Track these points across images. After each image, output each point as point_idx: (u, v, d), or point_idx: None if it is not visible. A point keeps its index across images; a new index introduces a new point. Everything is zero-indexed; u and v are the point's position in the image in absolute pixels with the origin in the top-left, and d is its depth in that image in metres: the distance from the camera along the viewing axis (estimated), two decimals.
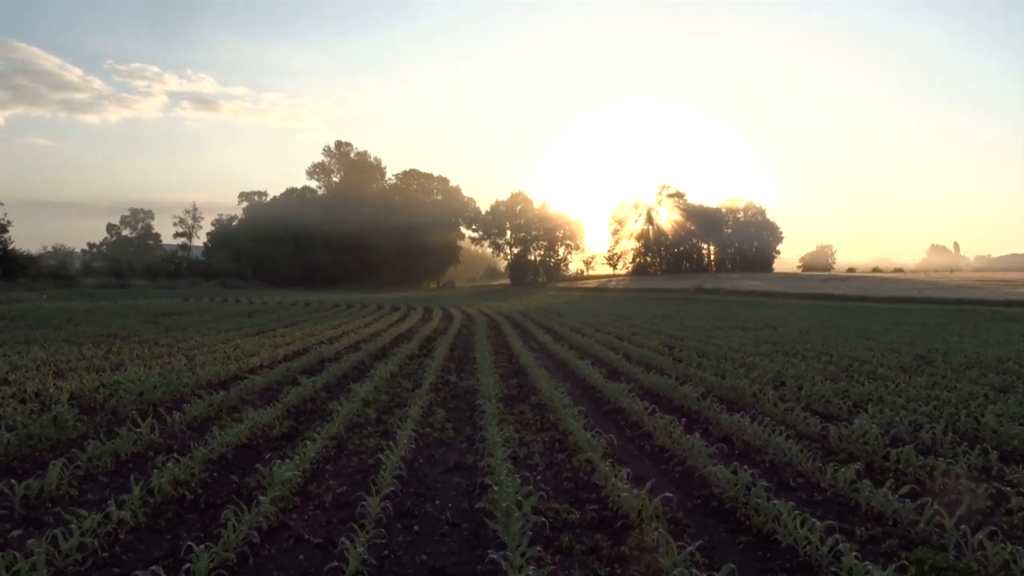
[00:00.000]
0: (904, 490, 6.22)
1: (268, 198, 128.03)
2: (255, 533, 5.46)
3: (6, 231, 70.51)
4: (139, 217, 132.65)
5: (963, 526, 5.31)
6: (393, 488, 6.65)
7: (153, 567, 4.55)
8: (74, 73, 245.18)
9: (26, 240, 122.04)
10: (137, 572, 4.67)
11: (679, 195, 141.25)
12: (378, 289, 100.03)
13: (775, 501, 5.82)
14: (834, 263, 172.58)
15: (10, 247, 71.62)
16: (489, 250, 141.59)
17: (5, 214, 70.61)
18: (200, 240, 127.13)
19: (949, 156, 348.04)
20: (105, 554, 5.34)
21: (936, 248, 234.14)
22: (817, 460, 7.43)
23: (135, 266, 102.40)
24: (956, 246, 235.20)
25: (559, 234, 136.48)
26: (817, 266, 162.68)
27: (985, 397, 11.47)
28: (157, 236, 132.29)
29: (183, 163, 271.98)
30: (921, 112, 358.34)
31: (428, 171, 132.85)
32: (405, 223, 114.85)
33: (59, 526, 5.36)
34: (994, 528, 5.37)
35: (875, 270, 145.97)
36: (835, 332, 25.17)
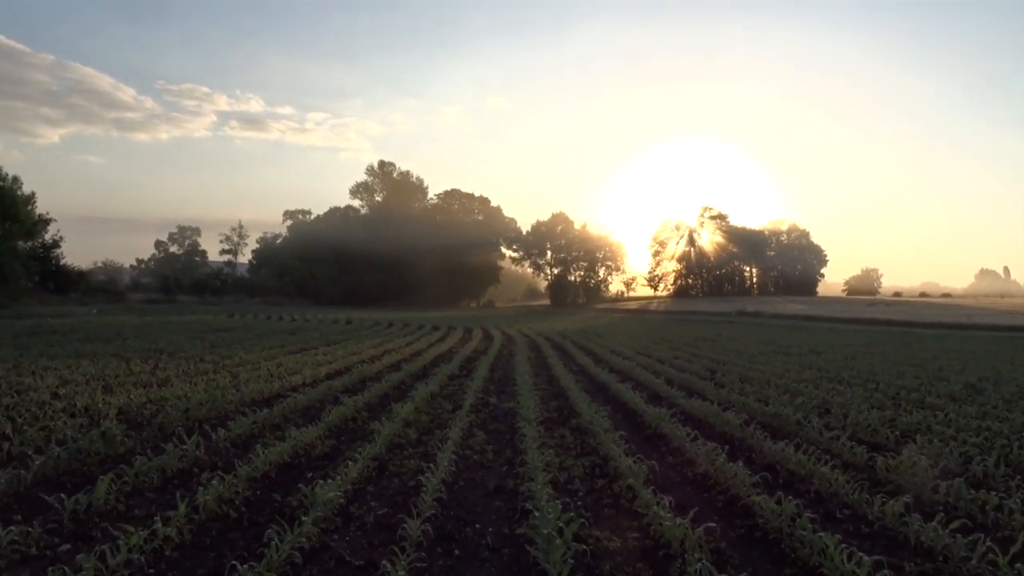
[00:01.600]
0: (955, 525, 6.07)
1: (312, 217, 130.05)
2: (297, 553, 5.51)
3: (58, 247, 72.18)
4: (186, 234, 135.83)
5: (1017, 564, 5.17)
6: (434, 511, 6.67)
7: None
8: (127, 93, 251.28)
9: (77, 255, 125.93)
10: None
11: (721, 217, 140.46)
12: (419, 308, 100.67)
13: (821, 533, 5.72)
14: (880, 287, 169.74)
15: (62, 262, 73.40)
16: (529, 270, 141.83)
17: (58, 230, 72.42)
18: (245, 257, 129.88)
19: (999, 179, 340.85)
20: (151, 571, 5.42)
21: (985, 273, 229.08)
22: (864, 491, 7.29)
23: (182, 282, 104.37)
24: (1006, 271, 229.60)
25: (600, 255, 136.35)
26: (862, 290, 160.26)
27: None
28: (203, 253, 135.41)
29: (230, 181, 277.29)
30: (970, 134, 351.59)
31: (469, 191, 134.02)
32: (446, 242, 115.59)
33: (107, 541, 5.48)
34: None
35: (922, 295, 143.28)
36: (881, 358, 24.71)
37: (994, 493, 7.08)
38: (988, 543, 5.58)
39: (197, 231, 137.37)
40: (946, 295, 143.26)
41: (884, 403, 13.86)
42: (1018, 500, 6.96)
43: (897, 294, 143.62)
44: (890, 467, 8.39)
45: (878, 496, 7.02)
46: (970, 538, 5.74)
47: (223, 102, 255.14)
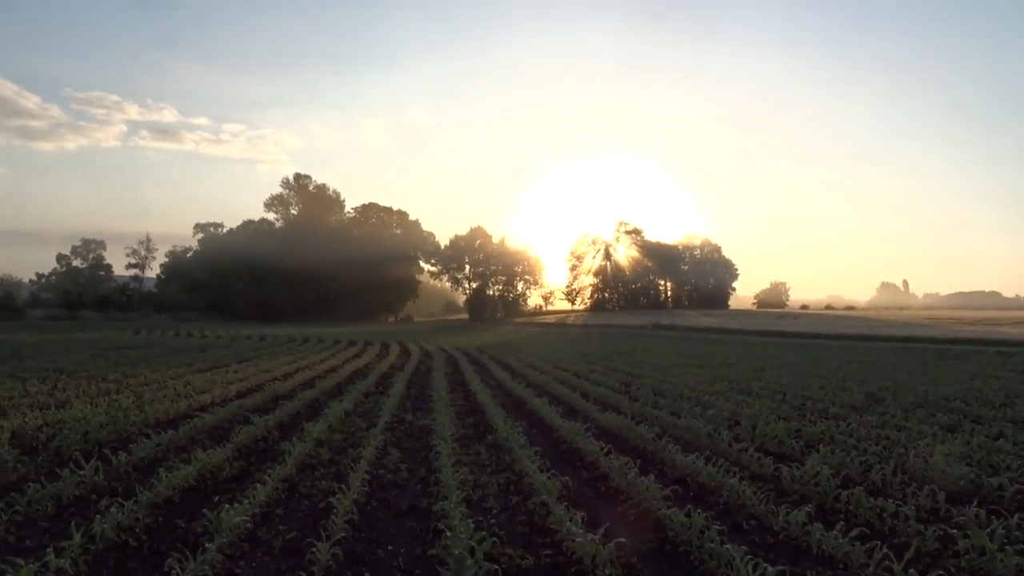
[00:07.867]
0: (854, 532, 6.28)
1: (224, 230, 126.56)
2: None
3: None
4: (90, 247, 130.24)
5: (911, 570, 5.37)
6: (344, 533, 6.54)
7: None
8: (31, 100, 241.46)
9: None
10: None
11: (637, 232, 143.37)
12: (335, 323, 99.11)
13: (728, 545, 5.83)
14: (788, 300, 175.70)
15: None
16: (448, 284, 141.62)
17: None
18: (153, 272, 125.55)
19: (899, 196, 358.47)
20: None
21: (886, 286, 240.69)
22: (770, 502, 7.47)
23: (85, 297, 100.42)
24: (905, 284, 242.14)
25: (518, 269, 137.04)
26: (771, 303, 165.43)
27: (933, 436, 11.60)
28: (109, 267, 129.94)
29: (140, 194, 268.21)
30: (871, 154, 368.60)
31: (388, 205, 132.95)
32: (363, 257, 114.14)
33: None
34: (941, 572, 5.45)
35: (827, 307, 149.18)
36: (788, 370, 25.47)
37: (891, 500, 7.35)
38: (885, 550, 5.79)
39: (102, 244, 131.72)
40: (850, 307, 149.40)
41: (790, 414, 14.27)
42: (913, 507, 7.24)
43: (804, 307, 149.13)
44: (795, 477, 8.63)
45: (783, 506, 7.20)
46: (868, 545, 5.94)
47: (134, 111, 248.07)
